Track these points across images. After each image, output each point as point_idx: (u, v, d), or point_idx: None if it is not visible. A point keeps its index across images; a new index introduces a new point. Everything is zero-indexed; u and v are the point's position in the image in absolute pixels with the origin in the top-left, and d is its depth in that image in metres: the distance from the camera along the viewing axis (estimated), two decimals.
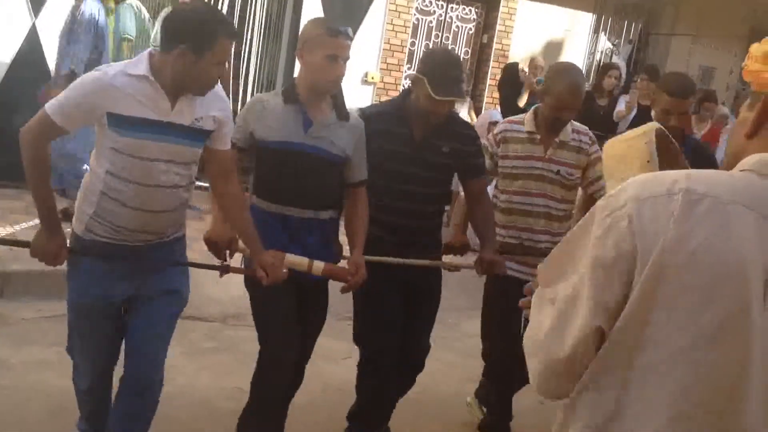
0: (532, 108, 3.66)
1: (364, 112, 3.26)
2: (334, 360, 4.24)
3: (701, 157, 3.33)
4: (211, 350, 4.38)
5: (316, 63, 2.92)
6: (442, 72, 3.10)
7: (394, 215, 3.29)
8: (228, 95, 2.93)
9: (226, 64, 2.63)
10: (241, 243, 3.00)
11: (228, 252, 3.00)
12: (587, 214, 1.39)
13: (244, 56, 8.63)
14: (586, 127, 3.65)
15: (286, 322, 3.01)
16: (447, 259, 3.56)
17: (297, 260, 2.91)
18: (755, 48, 1.33)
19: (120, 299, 2.76)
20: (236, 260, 3.10)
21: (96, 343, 2.82)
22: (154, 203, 2.65)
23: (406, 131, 3.25)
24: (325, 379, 4.01)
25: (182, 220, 2.86)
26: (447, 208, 3.88)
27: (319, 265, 2.94)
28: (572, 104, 3.43)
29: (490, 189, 3.76)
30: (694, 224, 1.22)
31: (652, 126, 1.81)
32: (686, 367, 1.22)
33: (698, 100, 8.79)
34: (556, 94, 3.42)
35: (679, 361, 1.23)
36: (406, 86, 9.78)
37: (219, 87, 2.75)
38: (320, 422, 3.66)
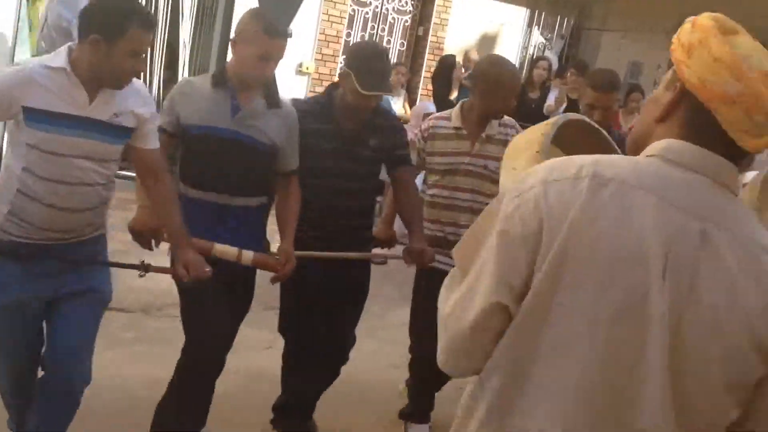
0: (459, 103, 3.65)
1: (296, 108, 3.22)
2: (257, 349, 4.23)
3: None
4: (131, 341, 4.32)
5: (248, 58, 2.87)
6: (368, 66, 3.09)
7: (324, 212, 3.27)
8: (159, 84, 2.89)
9: (142, 57, 2.57)
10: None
11: (154, 241, 2.95)
12: (497, 197, 1.43)
13: (176, 41, 8.49)
14: (513, 120, 3.65)
15: (213, 313, 2.97)
16: (375, 251, 3.58)
17: (226, 249, 2.87)
18: (684, 34, 1.32)
19: (39, 300, 2.68)
20: (164, 250, 3.04)
21: (16, 344, 2.75)
22: (72, 201, 2.57)
23: (333, 127, 3.23)
24: (247, 368, 4.00)
25: (102, 218, 2.77)
26: (380, 199, 3.89)
27: (248, 255, 2.90)
28: (503, 97, 3.40)
29: (420, 183, 3.78)
30: (600, 208, 1.26)
31: (565, 116, 1.82)
32: (587, 347, 1.26)
33: (626, 93, 9.01)
34: (486, 88, 3.40)
35: (580, 341, 1.26)
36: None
37: (140, 84, 2.70)
38: (241, 411, 3.65)
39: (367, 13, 9.97)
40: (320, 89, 9.15)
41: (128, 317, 4.50)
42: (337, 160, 3.22)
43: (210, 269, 2.75)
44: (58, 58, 2.50)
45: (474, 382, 1.41)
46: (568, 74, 8.62)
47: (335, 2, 9.46)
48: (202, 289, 2.83)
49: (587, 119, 1.94)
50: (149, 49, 2.56)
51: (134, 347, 4.25)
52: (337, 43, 9.65)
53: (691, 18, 1.33)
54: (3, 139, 6.60)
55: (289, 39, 2.94)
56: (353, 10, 9.81)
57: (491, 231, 1.37)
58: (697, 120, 1.29)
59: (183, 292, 3.02)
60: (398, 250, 3.51)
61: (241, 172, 2.97)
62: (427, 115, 7.75)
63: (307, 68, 9.37)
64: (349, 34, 9.86)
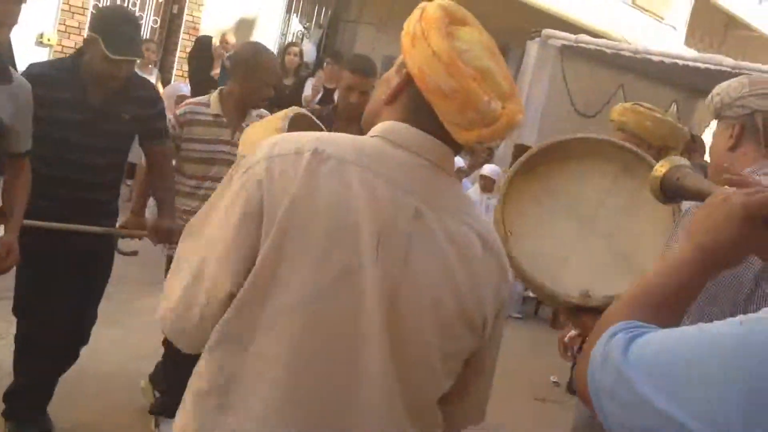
0: (218, 90, 3.54)
1: (30, 73, 2.91)
2: None
3: None
4: None
5: None
6: (117, 30, 2.89)
7: (65, 187, 3.03)
8: None
9: None
10: None
11: None
12: (230, 170, 1.39)
13: None
14: (267, 112, 3.57)
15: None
16: (125, 242, 3.38)
17: None
18: (412, 22, 1.34)
19: None
20: None
21: None
22: None
23: (79, 96, 2.97)
24: None
25: None
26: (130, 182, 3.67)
27: None
28: (263, 86, 3.36)
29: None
30: (319, 182, 1.27)
31: (292, 110, 1.86)
32: (303, 319, 1.26)
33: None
34: (245, 76, 3.34)
35: (297, 314, 1.26)
36: None
37: None
38: None
39: None
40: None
41: None
42: (83, 134, 2.99)
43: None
44: None
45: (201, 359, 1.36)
46: (325, 64, 8.77)
47: None
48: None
49: (311, 115, 2.00)
50: None
51: None
52: (83, 15, 9.03)
53: (423, 4, 1.36)
54: None
55: (23, 3, 2.64)
56: None
57: (220, 204, 1.35)
58: (419, 107, 1.32)
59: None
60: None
61: None
62: (181, 97, 7.55)
63: (49, 40, 8.68)
64: (96, 7, 9.26)
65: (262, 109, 3.54)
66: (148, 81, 3.80)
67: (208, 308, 1.31)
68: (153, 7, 9.81)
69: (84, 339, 3.34)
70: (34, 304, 3.14)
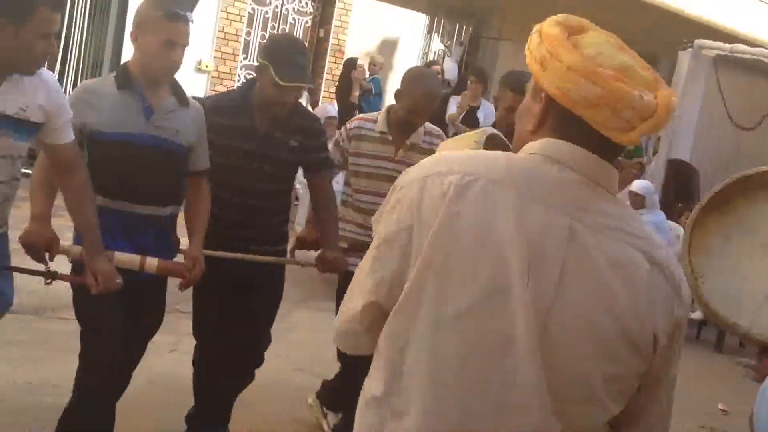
0: (386, 107, 3.60)
1: (203, 105, 3.05)
2: (160, 353, 4.09)
3: None
4: (21, 343, 4.10)
5: (152, 48, 2.71)
6: (287, 57, 2.98)
7: (233, 212, 3.14)
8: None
9: (53, 38, 2.38)
10: (63, 244, 2.72)
11: (48, 255, 2.70)
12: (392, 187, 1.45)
13: (68, 35, 8.15)
14: (440, 130, 3.65)
15: (110, 329, 2.76)
16: (299, 253, 3.48)
17: (127, 258, 2.71)
18: (534, 47, 1.33)
19: None
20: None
21: None
22: None
23: (248, 124, 3.09)
24: (150, 372, 3.86)
25: (4, 217, 2.56)
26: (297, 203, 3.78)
27: (152, 263, 2.75)
28: (425, 109, 3.39)
29: (339, 186, 3.70)
30: (466, 204, 1.28)
31: (487, 130, 1.89)
32: (450, 338, 1.27)
33: None
34: (411, 98, 3.36)
35: (445, 331, 1.28)
36: (242, 76, 9.64)
37: (49, 75, 2.50)
38: (147, 415, 3.52)
39: (266, 12, 9.87)
40: (221, 87, 9.00)
41: (20, 319, 4.27)
42: (251, 161, 3.09)
43: (121, 281, 2.61)
44: None
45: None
46: (469, 82, 8.80)
47: (234, 0, 9.33)
48: (100, 305, 2.67)
49: (502, 136, 1.99)
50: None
51: (24, 350, 4.04)
52: (237, 41, 9.51)
53: (537, 27, 1.35)
54: None
55: (190, 27, 2.79)
56: (252, 9, 9.69)
57: (380, 219, 1.41)
58: (567, 125, 1.30)
59: (80, 308, 2.83)
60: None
61: (157, 180, 2.82)
62: (330, 118, 7.81)
63: (207, 66, 9.19)
64: (249, 33, 9.73)
65: (430, 125, 3.56)
66: (312, 113, 3.92)
67: (358, 316, 1.39)
68: (301, 32, 10.19)
69: (260, 360, 3.42)
70: (211, 328, 3.25)
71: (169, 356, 4.10)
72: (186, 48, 2.80)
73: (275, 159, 3.14)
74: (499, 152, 1.41)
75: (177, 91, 2.87)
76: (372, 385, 1.38)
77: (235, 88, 9.24)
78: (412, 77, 3.47)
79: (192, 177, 2.97)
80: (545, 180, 1.29)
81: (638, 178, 7.89)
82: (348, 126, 3.59)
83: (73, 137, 2.59)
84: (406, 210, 1.32)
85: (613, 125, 1.25)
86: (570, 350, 1.25)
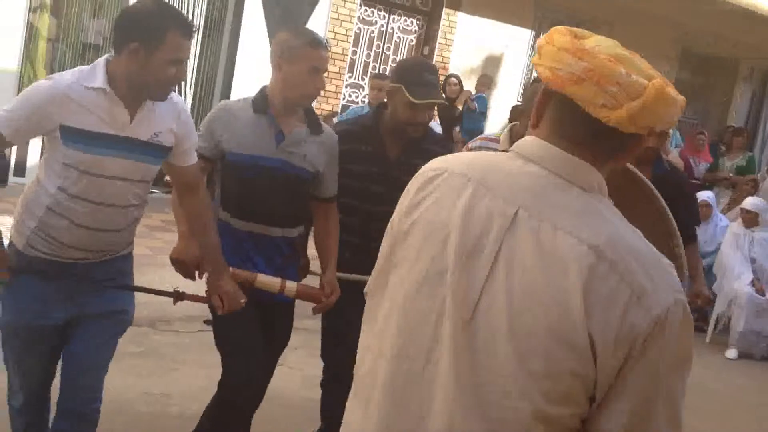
0: (509, 126, 3.49)
1: (335, 130, 3.13)
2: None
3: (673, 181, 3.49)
4: (136, 355, 4.30)
5: (298, 76, 2.79)
6: (418, 77, 3.01)
7: (363, 237, 3.15)
8: None
9: (184, 64, 2.44)
10: None
11: (197, 272, 2.84)
12: None
13: None
14: None
15: (249, 348, 2.85)
16: None
17: (269, 281, 2.79)
18: (538, 42, 1.35)
19: (59, 321, 2.55)
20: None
21: (31, 363, 2.63)
22: (104, 222, 2.47)
23: (378, 150, 3.13)
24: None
25: (131, 238, 2.67)
26: None
27: (292, 286, 2.83)
28: None
29: None
30: (426, 194, 1.38)
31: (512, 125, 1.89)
32: (396, 320, 1.35)
33: None
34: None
35: (395, 312, 1.36)
36: (347, 95, 9.82)
37: (178, 99, 2.60)
38: (254, 428, 3.61)
39: (372, 31, 10.03)
40: (326, 106, 9.21)
41: (135, 331, 4.47)
42: (381, 185, 3.10)
43: (245, 300, 2.69)
44: (96, 76, 2.37)
45: None
46: None
47: (341, 20, 9.52)
48: (239, 323, 2.75)
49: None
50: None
51: (139, 361, 4.23)
52: (343, 60, 9.70)
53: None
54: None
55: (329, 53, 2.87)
56: (359, 29, 9.87)
57: None
58: (562, 114, 1.29)
59: (219, 325, 2.91)
60: None
61: (284, 202, 2.89)
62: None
63: None
64: (354, 52, 9.91)
65: None
66: (443, 137, 3.87)
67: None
68: (406, 50, 10.30)
69: None
70: (342, 351, 3.14)
71: (277, 370, 4.19)
72: (325, 72, 2.86)
73: (403, 183, 3.12)
74: (482, 152, 1.51)
75: (311, 118, 2.94)
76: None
77: (345, 105, 9.43)
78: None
79: (321, 203, 3.03)
80: (504, 172, 1.31)
81: (752, 194, 7.60)
82: (470, 146, 3.54)
83: (197, 158, 2.68)
84: (399, 206, 1.45)
85: (597, 101, 1.22)
86: (492, 341, 1.23)
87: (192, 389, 3.83)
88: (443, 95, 3.11)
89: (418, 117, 3.05)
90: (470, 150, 3.49)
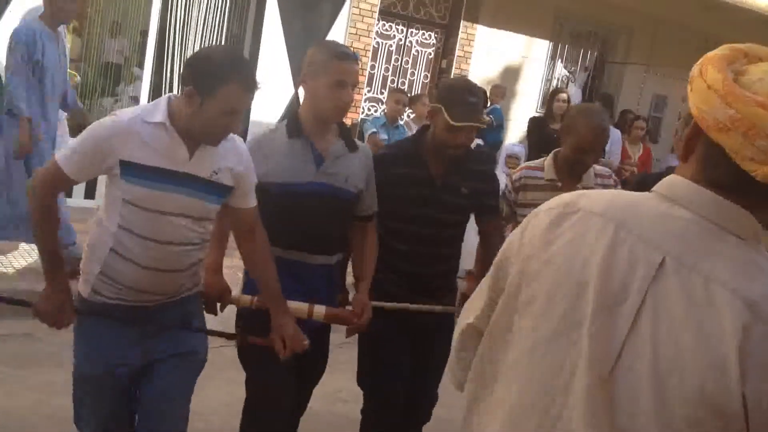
0: (552, 153, 3.44)
1: (376, 155, 3.07)
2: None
3: None
4: None
5: (322, 90, 2.70)
6: (459, 98, 2.94)
7: (407, 259, 3.10)
8: None
9: (239, 115, 2.39)
10: (234, 294, 2.82)
11: (219, 305, 2.82)
12: None
13: None
14: (609, 170, 3.53)
15: (280, 378, 2.79)
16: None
17: (296, 306, 2.73)
18: (694, 67, 1.24)
19: (131, 368, 2.51)
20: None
21: (105, 415, 2.55)
22: (166, 262, 2.43)
23: (423, 172, 3.05)
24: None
25: (196, 279, 2.62)
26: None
27: (320, 310, 2.78)
28: (595, 145, 3.22)
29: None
30: (558, 235, 1.29)
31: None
32: (526, 368, 1.28)
33: (630, 121, 9.19)
34: (577, 135, 3.20)
35: (522, 364, 1.29)
36: (366, 108, 9.86)
37: (239, 140, 2.54)
38: None
39: (391, 45, 10.07)
40: (345, 120, 9.22)
41: None
42: (425, 208, 3.04)
43: (308, 342, 2.63)
44: (157, 111, 2.37)
45: None
46: None
47: (360, 35, 9.57)
48: (268, 359, 2.67)
49: None
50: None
51: None
52: (362, 75, 9.74)
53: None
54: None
55: (358, 66, 2.80)
56: (377, 43, 9.91)
57: None
58: (712, 155, 1.18)
59: (248, 358, 2.87)
60: None
61: (326, 228, 2.82)
62: None
63: None
64: (373, 67, 9.95)
65: (599, 167, 3.41)
66: (488, 156, 3.78)
67: (459, 339, 1.53)
68: (424, 63, 10.33)
69: (426, 417, 3.31)
70: (377, 382, 3.16)
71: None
72: (355, 87, 2.77)
73: (448, 205, 3.08)
74: (621, 191, 1.41)
75: (345, 135, 2.87)
76: (467, 401, 1.46)
77: (365, 118, 9.47)
78: (577, 112, 3.33)
79: (359, 221, 2.98)
80: (648, 216, 1.21)
81: None
82: (513, 177, 3.49)
83: (256, 202, 2.62)
84: (515, 242, 1.38)
85: (746, 154, 1.11)
86: (634, 402, 1.13)
87: (217, 405, 3.84)
88: (484, 119, 3.03)
89: (458, 139, 2.96)
90: (513, 182, 3.45)
